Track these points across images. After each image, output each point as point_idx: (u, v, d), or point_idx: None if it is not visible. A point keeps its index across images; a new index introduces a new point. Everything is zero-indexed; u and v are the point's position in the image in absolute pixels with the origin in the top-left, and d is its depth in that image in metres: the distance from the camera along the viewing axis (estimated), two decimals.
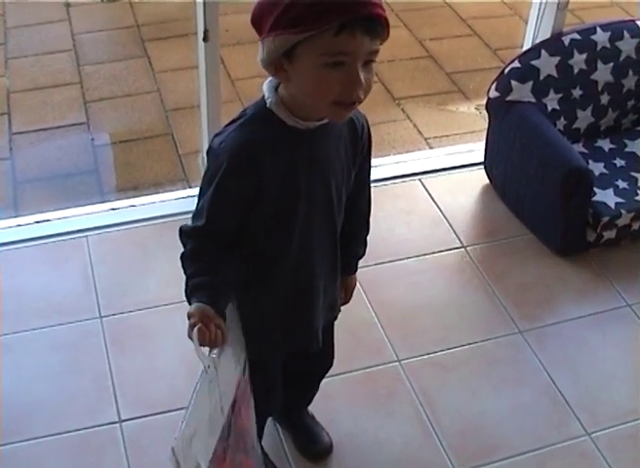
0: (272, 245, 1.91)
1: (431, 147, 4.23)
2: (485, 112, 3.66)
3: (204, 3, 2.95)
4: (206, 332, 1.67)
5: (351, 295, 2.30)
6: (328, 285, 2.08)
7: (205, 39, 3.01)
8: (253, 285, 1.96)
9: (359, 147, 1.95)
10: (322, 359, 2.39)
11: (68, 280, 3.20)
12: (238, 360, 1.86)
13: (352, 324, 2.87)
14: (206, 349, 1.69)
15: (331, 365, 2.43)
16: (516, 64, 3.48)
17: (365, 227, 2.19)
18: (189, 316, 1.70)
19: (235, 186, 1.76)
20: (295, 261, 1.94)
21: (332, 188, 1.89)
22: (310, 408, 2.60)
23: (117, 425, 2.69)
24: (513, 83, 3.44)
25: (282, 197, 1.81)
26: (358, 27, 1.57)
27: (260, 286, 1.97)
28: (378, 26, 1.60)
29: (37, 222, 3.49)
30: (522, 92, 3.44)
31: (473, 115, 4.52)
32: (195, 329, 1.65)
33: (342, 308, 2.25)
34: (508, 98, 3.45)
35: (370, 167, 2.06)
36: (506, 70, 3.49)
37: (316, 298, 2.05)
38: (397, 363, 2.92)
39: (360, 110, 1.90)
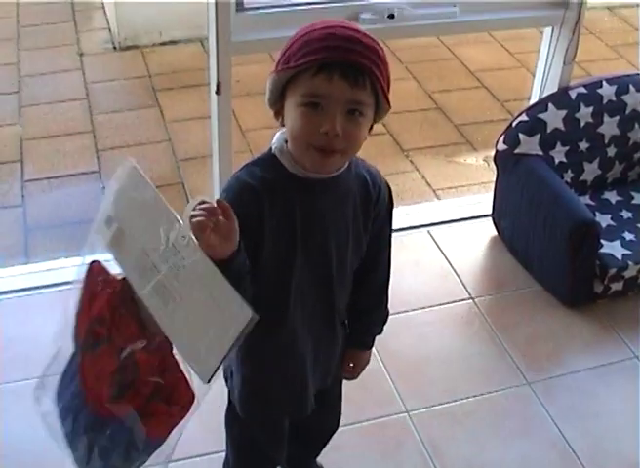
0: (270, 294, 1.84)
1: (439, 199, 4.27)
2: (493, 164, 3.70)
3: (217, 56, 3.00)
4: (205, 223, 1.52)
5: (360, 372, 2.22)
6: (321, 353, 2.01)
7: (217, 92, 3.05)
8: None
9: (371, 211, 1.90)
10: (325, 419, 2.35)
11: None
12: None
13: (361, 374, 2.86)
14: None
15: (336, 426, 2.40)
16: (524, 118, 3.52)
17: (380, 303, 2.11)
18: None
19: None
20: (289, 317, 1.89)
21: (330, 246, 1.85)
22: (319, 458, 2.60)
23: None
24: (521, 136, 3.48)
25: (278, 245, 1.77)
26: (335, 71, 1.60)
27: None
28: (357, 74, 1.61)
29: (49, 270, 3.51)
30: (530, 145, 3.48)
31: (481, 167, 4.56)
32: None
33: None
34: (516, 151, 3.49)
35: (389, 236, 2.01)
36: (514, 123, 3.53)
37: (302, 364, 1.99)
38: (406, 414, 2.92)
39: (382, 175, 1.91)
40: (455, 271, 3.55)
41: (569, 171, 3.58)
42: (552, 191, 3.37)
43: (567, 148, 3.55)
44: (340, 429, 2.41)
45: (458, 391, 3.02)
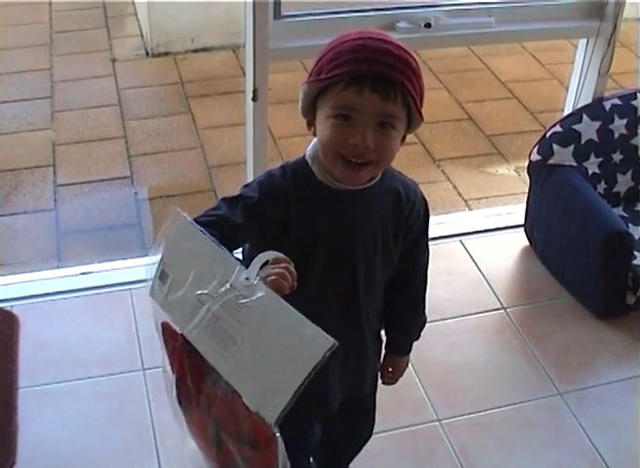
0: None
1: (471, 209, 4.27)
2: (524, 174, 3.70)
3: (254, 63, 3.02)
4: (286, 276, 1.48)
5: (399, 377, 2.24)
6: (348, 361, 1.97)
7: (254, 99, 3.07)
8: None
9: (402, 225, 1.88)
10: (358, 428, 2.36)
11: (112, 332, 3.23)
12: None
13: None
14: None
15: (369, 435, 2.40)
16: (558, 128, 3.52)
17: (417, 309, 2.12)
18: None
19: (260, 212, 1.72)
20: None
21: (357, 257, 1.84)
22: (352, 465, 2.60)
23: None
24: (555, 147, 3.48)
25: (297, 250, 1.69)
26: (366, 84, 1.59)
27: None
28: (389, 87, 1.60)
29: (83, 274, 3.54)
30: (563, 155, 3.48)
31: (513, 177, 4.56)
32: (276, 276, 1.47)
33: None
34: (550, 162, 3.49)
35: (425, 246, 2.00)
36: (548, 134, 3.53)
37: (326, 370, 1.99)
38: (437, 422, 2.92)
39: (419, 189, 1.90)
40: (487, 281, 3.55)
41: (602, 182, 3.57)
42: (585, 202, 3.37)
43: (600, 159, 3.54)
44: (372, 436, 2.42)
45: (489, 400, 3.02)
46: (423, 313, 2.14)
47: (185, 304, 1.52)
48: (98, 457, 2.76)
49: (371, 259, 1.87)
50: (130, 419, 2.89)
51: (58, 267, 3.79)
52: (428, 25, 3.18)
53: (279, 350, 1.41)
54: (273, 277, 1.45)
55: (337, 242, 1.80)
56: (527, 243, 3.76)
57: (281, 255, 1.50)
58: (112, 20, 6.47)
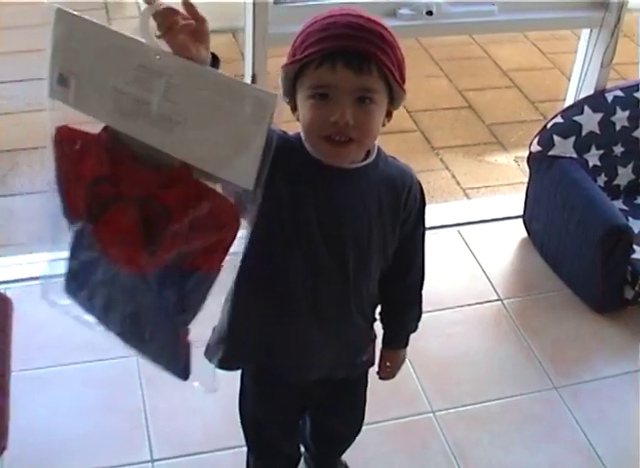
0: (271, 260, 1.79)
1: (469, 198, 4.24)
2: (523, 164, 3.67)
3: (253, 48, 2.98)
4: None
5: (396, 371, 2.21)
6: (334, 338, 1.95)
7: (253, 83, 3.04)
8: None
9: (400, 211, 1.85)
10: (347, 421, 2.34)
11: None
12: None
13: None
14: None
15: (358, 429, 2.37)
16: (559, 119, 3.49)
17: (415, 301, 2.10)
18: None
19: None
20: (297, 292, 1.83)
21: (346, 239, 1.79)
22: (344, 456, 2.59)
23: (149, 464, 2.68)
24: (556, 138, 3.45)
25: (287, 215, 1.73)
26: (339, 60, 1.59)
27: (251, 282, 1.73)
28: (361, 60, 1.59)
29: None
30: (564, 147, 3.45)
31: (512, 167, 4.52)
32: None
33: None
34: (550, 153, 3.46)
35: (422, 236, 1.97)
36: (549, 125, 3.50)
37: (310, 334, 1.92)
38: (431, 414, 2.90)
39: (414, 174, 1.87)
40: (484, 272, 3.52)
41: (602, 174, 3.55)
42: (586, 195, 3.33)
43: (601, 152, 3.51)
44: (365, 427, 2.39)
45: (484, 393, 3.00)
46: (420, 305, 2.12)
47: (115, 104, 1.43)
48: (90, 443, 2.74)
49: (364, 245, 1.83)
50: (122, 406, 2.87)
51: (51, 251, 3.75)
52: (430, 13, 3.15)
53: (223, 120, 1.37)
54: (176, 43, 1.40)
55: (323, 221, 1.76)
56: (525, 234, 3.73)
57: (159, 7, 1.42)
58: (112, 2, 6.40)
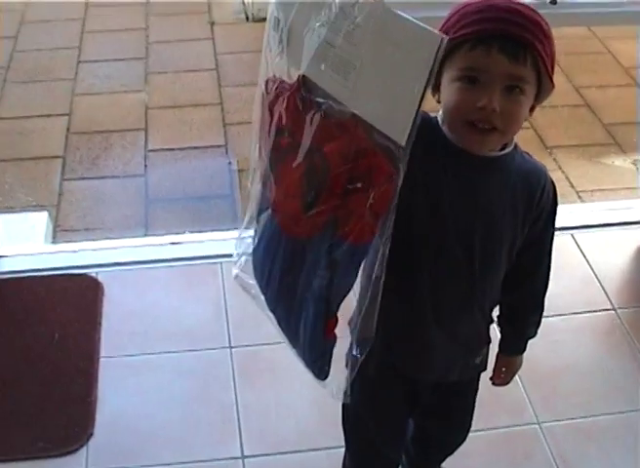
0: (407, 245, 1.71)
1: (583, 201, 4.09)
2: None
3: None
4: None
5: (511, 378, 2.15)
6: (456, 342, 1.91)
7: None
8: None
9: (533, 209, 1.78)
10: (452, 430, 2.27)
11: (199, 306, 3.17)
12: None
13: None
14: None
15: (463, 439, 2.29)
16: None
17: (537, 307, 2.01)
18: None
19: None
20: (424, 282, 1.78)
21: (474, 230, 1.72)
22: (444, 464, 2.48)
23: (240, 461, 2.63)
24: None
25: (420, 197, 1.66)
26: (494, 44, 1.54)
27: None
28: (518, 48, 1.54)
29: (172, 243, 3.46)
30: None
31: (630, 170, 4.35)
32: None
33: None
34: None
35: (548, 241, 1.88)
36: None
37: (428, 334, 1.86)
38: (537, 425, 2.79)
39: (547, 173, 1.80)
40: (597, 278, 3.37)
41: None
42: None
43: None
44: (469, 435, 2.29)
45: (593, 406, 2.87)
46: (542, 309, 2.02)
47: (299, 43, 1.53)
48: (178, 435, 2.70)
49: (494, 241, 1.76)
50: (213, 398, 2.83)
51: (145, 235, 3.74)
52: (554, 2, 3.02)
53: (395, 64, 1.38)
54: None
55: (454, 208, 1.70)
56: None
57: None
58: None
